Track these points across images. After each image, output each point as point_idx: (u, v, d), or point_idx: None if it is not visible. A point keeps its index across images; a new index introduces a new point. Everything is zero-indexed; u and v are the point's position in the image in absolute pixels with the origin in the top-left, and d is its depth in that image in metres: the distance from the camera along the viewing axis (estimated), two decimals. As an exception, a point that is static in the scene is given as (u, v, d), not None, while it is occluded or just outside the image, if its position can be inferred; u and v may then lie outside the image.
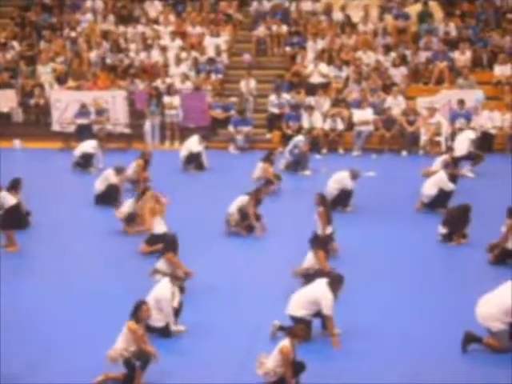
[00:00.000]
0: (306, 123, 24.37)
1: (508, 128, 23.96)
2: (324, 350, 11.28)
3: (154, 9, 29.75)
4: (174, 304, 11.80)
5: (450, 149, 20.86)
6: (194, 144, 22.00)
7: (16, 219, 15.77)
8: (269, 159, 19.75)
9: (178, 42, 27.88)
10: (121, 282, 13.78)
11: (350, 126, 24.51)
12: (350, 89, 25.76)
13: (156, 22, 29.09)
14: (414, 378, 10.50)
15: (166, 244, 13.55)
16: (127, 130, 25.62)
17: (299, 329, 10.46)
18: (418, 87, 26.13)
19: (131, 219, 16.44)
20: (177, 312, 11.87)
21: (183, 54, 27.33)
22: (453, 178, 17.82)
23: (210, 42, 27.81)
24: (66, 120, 25.72)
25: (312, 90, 25.70)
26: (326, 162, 21.97)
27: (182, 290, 12.22)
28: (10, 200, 15.62)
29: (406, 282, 13.76)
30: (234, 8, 29.46)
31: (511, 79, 25.38)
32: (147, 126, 25.32)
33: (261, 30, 28.15)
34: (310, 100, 25.28)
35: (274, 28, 27.99)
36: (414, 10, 28.23)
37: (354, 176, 17.71)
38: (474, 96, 24.45)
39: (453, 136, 22.92)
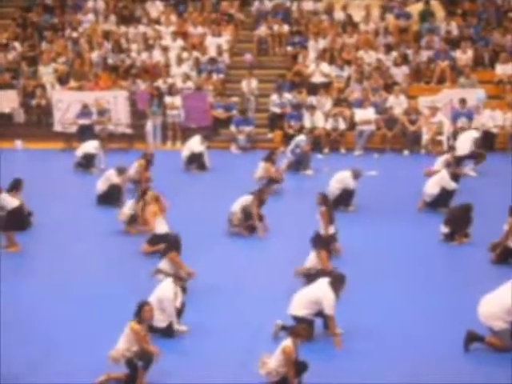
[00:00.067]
0: (307, 123, 24.37)
1: (510, 127, 23.94)
2: (326, 350, 11.28)
3: (155, 9, 29.76)
4: (176, 304, 11.80)
5: (451, 148, 20.86)
6: (195, 144, 22.00)
7: (18, 221, 15.78)
8: (270, 159, 19.73)
9: (180, 42, 27.89)
10: (123, 283, 13.78)
11: (352, 125, 24.51)
12: (351, 88, 25.75)
13: (157, 22, 29.09)
14: (416, 378, 10.48)
15: (169, 243, 13.55)
16: (129, 131, 25.61)
17: (301, 328, 10.45)
18: (419, 86, 26.11)
19: (133, 220, 16.45)
20: (179, 312, 11.87)
21: (185, 54, 27.34)
22: (455, 177, 17.82)
23: (211, 42, 27.81)
24: (67, 120, 25.72)
25: (314, 89, 25.70)
26: (328, 162, 21.97)
27: (184, 289, 12.24)
28: (11, 202, 15.62)
29: (408, 282, 13.76)
30: (236, 8, 29.46)
31: (513, 78, 25.40)
32: (149, 126, 25.32)
33: (262, 30, 28.15)
34: (312, 100, 25.28)
35: (276, 28, 27.99)
36: (415, 9, 28.23)
37: (356, 175, 17.71)
38: (475, 95, 24.44)
39: (455, 135, 22.94)
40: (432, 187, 17.68)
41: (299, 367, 10.11)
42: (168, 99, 25.41)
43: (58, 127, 26.00)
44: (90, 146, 21.97)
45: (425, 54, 26.51)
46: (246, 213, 16.24)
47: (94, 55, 27.90)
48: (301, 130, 24.01)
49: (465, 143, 21.17)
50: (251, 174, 19.52)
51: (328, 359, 11.08)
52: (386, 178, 20.66)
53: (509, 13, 27.94)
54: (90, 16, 29.51)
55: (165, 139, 25.48)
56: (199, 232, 16.05)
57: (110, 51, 27.94)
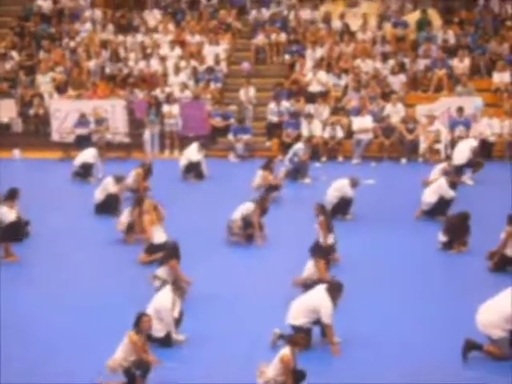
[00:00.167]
0: (305, 131, 24.38)
1: (507, 135, 23.96)
2: (324, 359, 11.27)
3: (153, 18, 29.79)
4: (174, 314, 11.79)
5: (448, 157, 20.88)
6: (193, 153, 22.00)
7: (14, 234, 15.80)
8: (268, 167, 19.74)
9: (177, 50, 27.91)
10: (121, 292, 13.76)
11: (350, 133, 24.52)
12: (349, 97, 25.77)
13: (155, 31, 29.10)
14: (414, 386, 10.51)
15: (169, 251, 13.56)
16: (127, 139, 25.63)
17: (299, 337, 10.46)
18: (416, 95, 26.14)
19: (131, 229, 16.44)
20: (177, 321, 11.86)
21: (182, 63, 27.35)
22: (453, 185, 17.83)
23: (209, 51, 27.84)
24: (65, 130, 25.72)
25: (311, 98, 25.72)
26: (326, 170, 21.97)
27: (183, 297, 12.21)
28: (9, 215, 15.68)
29: (406, 290, 13.75)
30: (233, 16, 29.49)
31: (510, 86, 25.39)
32: (147, 135, 25.34)
33: (260, 39, 28.18)
34: (310, 108, 25.30)
35: (273, 36, 28.02)
36: (412, 18, 28.27)
37: (354, 184, 17.72)
38: (472, 103, 24.48)
39: (452, 143, 22.95)
40: (430, 196, 17.69)
41: (297, 376, 10.09)
42: (166, 108, 25.43)
43: (55, 136, 26.01)
44: (88, 155, 21.96)
45: (422, 63, 26.54)
46: (246, 221, 16.23)
47: (92, 64, 27.91)
48: (298, 138, 24.00)
49: (463, 152, 21.17)
50: (249, 182, 19.53)
51: (326, 368, 11.07)
52: (384, 187, 20.67)
53: (506, 21, 27.99)
54: (88, 25, 29.53)
55: (163, 148, 25.49)
56: (197, 241, 16.03)
57: (107, 60, 27.96)
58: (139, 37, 28.74)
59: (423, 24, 27.82)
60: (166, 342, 11.62)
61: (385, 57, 26.91)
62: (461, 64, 26.18)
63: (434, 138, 23.80)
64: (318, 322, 11.52)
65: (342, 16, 28.52)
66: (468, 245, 15.67)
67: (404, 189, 20.24)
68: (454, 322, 12.20)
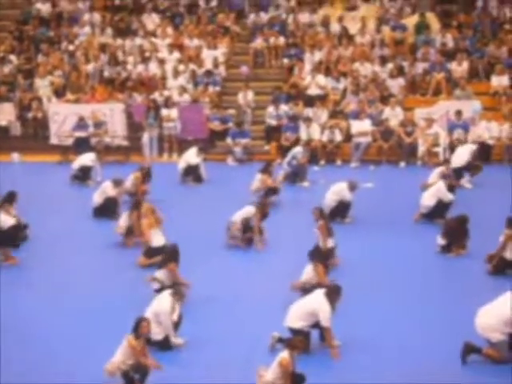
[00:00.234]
0: (304, 135, 24.38)
1: (506, 138, 23.97)
2: (323, 362, 11.26)
3: (151, 21, 29.80)
4: (173, 317, 11.78)
5: (446, 160, 20.90)
6: (191, 156, 22.00)
7: (13, 239, 15.79)
8: (267, 170, 19.73)
9: (176, 54, 27.91)
10: (120, 295, 13.77)
11: (348, 137, 24.53)
12: (347, 100, 25.78)
13: (154, 34, 29.11)
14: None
15: (169, 254, 13.56)
16: (125, 143, 25.63)
17: (298, 340, 10.44)
18: (415, 98, 26.15)
19: (130, 232, 16.44)
20: (176, 325, 11.85)
21: (181, 67, 27.36)
22: (451, 188, 17.83)
23: (207, 55, 27.85)
24: (64, 133, 25.73)
25: (310, 101, 25.73)
26: (324, 174, 21.98)
27: (182, 300, 12.19)
28: (7, 221, 15.68)
29: (405, 293, 13.75)
30: (232, 20, 29.50)
31: (508, 90, 25.41)
32: (145, 138, 25.33)
33: (258, 42, 28.20)
34: (308, 111, 25.30)
35: (272, 40, 28.04)
36: (410, 21, 28.30)
37: (353, 187, 17.71)
38: (471, 107, 24.51)
39: (451, 147, 22.98)
40: (429, 199, 17.69)
41: (296, 379, 10.08)
42: (164, 111, 25.43)
43: (54, 140, 26.01)
44: (87, 159, 21.96)
45: (420, 66, 26.55)
46: (246, 224, 16.23)
47: (90, 68, 27.91)
48: (297, 141, 24.01)
49: (462, 155, 21.18)
50: (248, 186, 19.52)
51: (325, 371, 11.05)
52: (383, 190, 20.67)
53: (504, 25, 28.02)
54: (87, 29, 29.54)
55: (161, 151, 25.49)
56: (196, 244, 16.01)
57: (106, 64, 27.96)
58: (138, 40, 28.74)
59: (422, 27, 27.85)
60: (165, 345, 11.61)
61: (383, 60, 26.92)
62: (459, 67, 26.19)
63: (433, 142, 23.82)
64: (316, 325, 11.52)
65: (340, 19, 28.54)
66: (467, 248, 15.67)
67: (403, 192, 20.25)
68: (452, 326, 12.20)
